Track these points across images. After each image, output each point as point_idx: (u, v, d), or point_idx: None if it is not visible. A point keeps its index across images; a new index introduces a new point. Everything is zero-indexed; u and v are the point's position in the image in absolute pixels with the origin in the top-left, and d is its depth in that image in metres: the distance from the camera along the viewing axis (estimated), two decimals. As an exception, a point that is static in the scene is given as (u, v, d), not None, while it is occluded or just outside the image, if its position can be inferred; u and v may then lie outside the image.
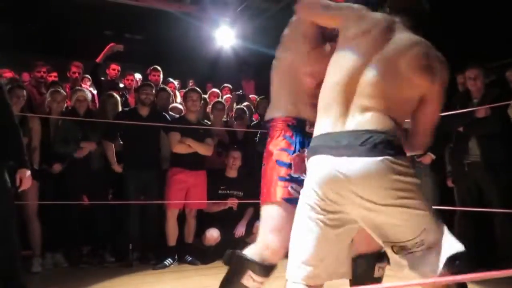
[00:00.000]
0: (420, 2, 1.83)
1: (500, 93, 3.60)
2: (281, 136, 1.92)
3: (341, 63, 1.64)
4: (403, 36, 1.67)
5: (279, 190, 1.85)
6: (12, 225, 2.80)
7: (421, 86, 1.60)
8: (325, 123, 1.58)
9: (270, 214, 1.87)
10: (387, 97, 1.55)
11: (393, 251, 1.54)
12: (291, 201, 1.79)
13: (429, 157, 4.10)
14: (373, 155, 1.45)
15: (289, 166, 1.87)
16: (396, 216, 1.49)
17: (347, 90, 1.57)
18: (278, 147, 1.91)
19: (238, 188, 4.64)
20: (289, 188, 1.84)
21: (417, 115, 1.68)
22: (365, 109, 1.53)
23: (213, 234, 4.39)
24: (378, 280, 2.01)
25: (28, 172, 2.79)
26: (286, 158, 1.88)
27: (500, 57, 4.24)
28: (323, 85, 1.68)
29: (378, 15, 1.75)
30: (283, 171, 1.87)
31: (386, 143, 1.46)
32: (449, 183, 4.06)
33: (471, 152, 3.70)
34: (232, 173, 4.68)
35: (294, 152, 1.89)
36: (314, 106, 1.71)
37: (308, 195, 1.59)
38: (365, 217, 1.52)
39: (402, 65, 1.57)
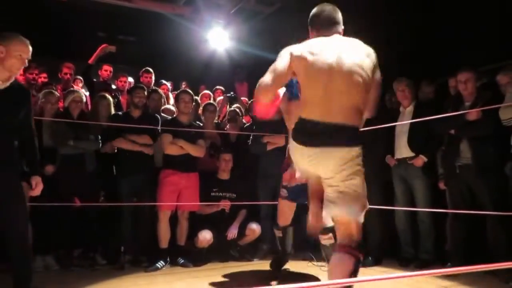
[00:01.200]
0: (331, 15, 2.51)
1: (491, 96, 3.62)
2: None
3: (315, 79, 2.25)
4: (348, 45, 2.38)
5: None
6: (27, 228, 2.97)
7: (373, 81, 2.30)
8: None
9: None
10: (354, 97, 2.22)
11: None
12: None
13: (421, 160, 4.12)
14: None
15: None
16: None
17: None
18: None
19: (231, 190, 4.64)
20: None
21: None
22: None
23: (205, 236, 4.38)
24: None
25: (40, 179, 3.01)
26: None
27: (492, 60, 4.27)
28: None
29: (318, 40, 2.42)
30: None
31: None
32: (441, 186, 4.08)
33: (463, 154, 3.72)
34: (224, 175, 4.68)
35: None
36: None
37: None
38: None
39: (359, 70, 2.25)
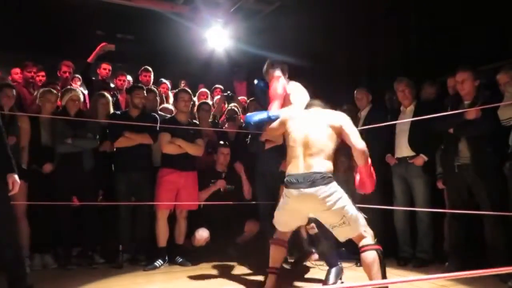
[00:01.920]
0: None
1: (490, 95, 3.62)
2: None
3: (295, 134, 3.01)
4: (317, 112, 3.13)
5: None
6: (16, 227, 2.88)
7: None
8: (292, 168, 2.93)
9: None
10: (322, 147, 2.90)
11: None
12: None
13: (421, 159, 4.12)
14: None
15: None
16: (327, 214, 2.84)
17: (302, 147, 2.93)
18: None
19: (229, 182, 4.67)
20: None
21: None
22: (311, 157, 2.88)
23: (202, 235, 4.37)
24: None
25: (17, 176, 2.88)
26: None
27: (492, 60, 4.27)
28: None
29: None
30: None
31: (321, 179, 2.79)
32: (439, 185, 4.08)
33: (461, 154, 3.71)
34: (222, 168, 4.69)
35: None
36: None
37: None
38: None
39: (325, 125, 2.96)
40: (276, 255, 3.15)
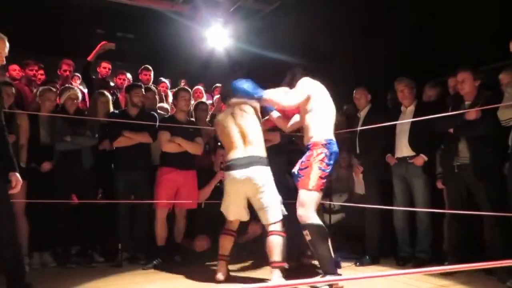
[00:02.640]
0: None
1: (491, 95, 3.62)
2: None
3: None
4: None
5: None
6: (15, 226, 2.92)
7: None
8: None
9: None
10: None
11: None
12: None
13: (421, 159, 4.12)
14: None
15: None
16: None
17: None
18: None
19: None
20: None
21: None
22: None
23: (202, 244, 4.42)
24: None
25: (18, 175, 2.90)
26: None
27: (494, 60, 4.26)
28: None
29: None
30: None
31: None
32: (439, 185, 4.08)
33: (461, 154, 3.71)
34: (217, 168, 4.69)
35: None
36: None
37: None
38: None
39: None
40: (225, 244, 3.65)
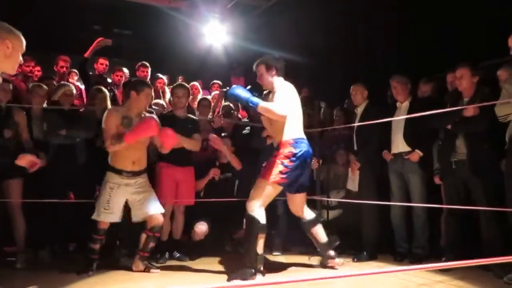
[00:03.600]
0: None
1: (489, 92, 3.62)
2: None
3: None
4: None
5: None
6: None
7: None
8: None
9: None
10: None
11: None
12: None
13: (417, 155, 4.13)
14: None
15: None
16: None
17: None
18: None
19: (226, 171, 4.70)
20: None
21: None
22: None
23: (202, 228, 4.38)
24: None
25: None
26: None
27: (492, 56, 4.26)
28: None
29: None
30: None
31: None
32: (436, 181, 4.09)
33: (459, 150, 3.72)
34: (224, 160, 4.71)
35: None
36: None
37: None
38: None
39: None
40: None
